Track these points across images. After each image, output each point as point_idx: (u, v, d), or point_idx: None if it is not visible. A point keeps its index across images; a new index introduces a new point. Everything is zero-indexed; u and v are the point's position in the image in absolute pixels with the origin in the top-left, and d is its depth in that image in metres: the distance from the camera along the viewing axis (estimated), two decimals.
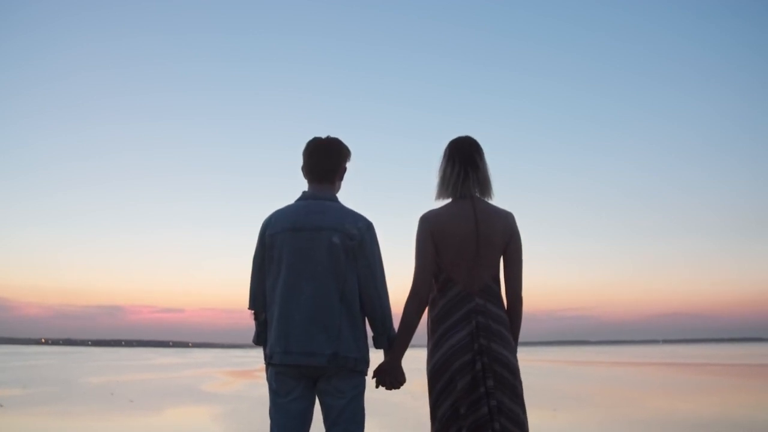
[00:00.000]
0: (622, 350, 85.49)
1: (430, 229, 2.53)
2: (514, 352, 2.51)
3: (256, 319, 2.63)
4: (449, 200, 2.60)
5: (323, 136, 2.68)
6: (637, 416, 9.22)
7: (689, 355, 51.59)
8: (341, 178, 2.70)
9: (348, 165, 2.71)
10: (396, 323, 2.58)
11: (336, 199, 2.63)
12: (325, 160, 2.62)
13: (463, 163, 2.59)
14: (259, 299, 2.59)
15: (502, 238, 2.53)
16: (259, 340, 2.63)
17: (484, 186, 2.60)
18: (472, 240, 2.49)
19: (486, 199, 2.61)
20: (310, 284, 2.46)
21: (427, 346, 2.55)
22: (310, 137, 2.69)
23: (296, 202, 2.62)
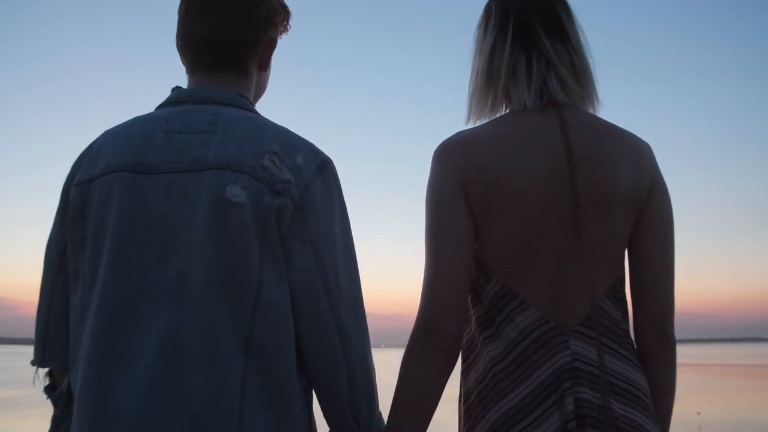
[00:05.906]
0: None
1: (461, 172, 1.09)
2: None
3: (50, 390, 1.15)
4: (496, 115, 1.19)
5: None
6: None
7: (691, 355, 51.68)
8: (266, 66, 1.22)
9: (283, 38, 1.23)
10: (386, 403, 1.10)
11: (248, 106, 1.15)
12: (225, 19, 1.13)
13: (532, 33, 1.13)
14: (54, 342, 1.13)
15: (633, 192, 1.09)
16: None
17: (583, 80, 1.15)
18: (560, 195, 1.07)
19: (588, 110, 1.17)
20: (166, 309, 0.99)
21: None
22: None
23: (155, 110, 1.15)
